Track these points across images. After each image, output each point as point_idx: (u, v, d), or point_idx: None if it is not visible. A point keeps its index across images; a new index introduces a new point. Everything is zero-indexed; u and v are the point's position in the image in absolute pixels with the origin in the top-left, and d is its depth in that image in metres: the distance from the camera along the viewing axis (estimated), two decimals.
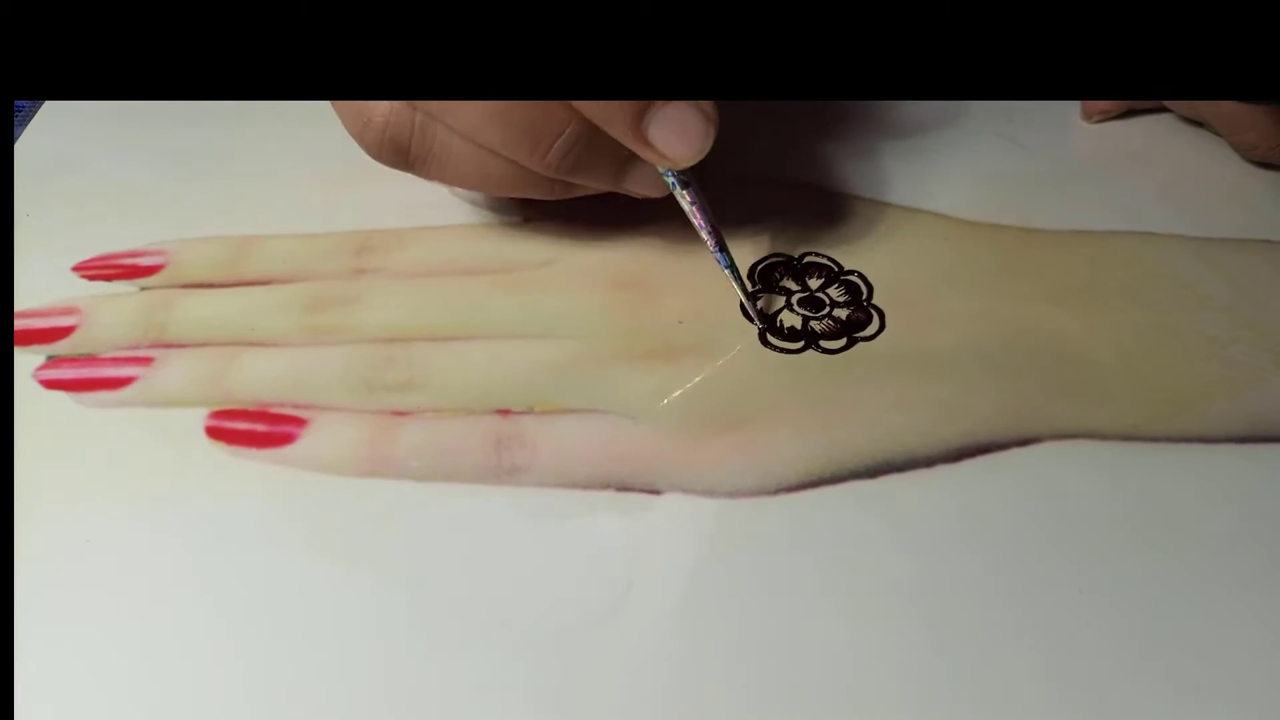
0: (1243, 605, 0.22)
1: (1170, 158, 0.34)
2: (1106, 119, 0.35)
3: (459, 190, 0.31)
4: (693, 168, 0.25)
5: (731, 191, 0.31)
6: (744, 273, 0.29)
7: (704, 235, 0.27)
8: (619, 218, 0.30)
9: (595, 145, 0.25)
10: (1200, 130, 0.34)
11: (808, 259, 0.29)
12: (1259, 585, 0.23)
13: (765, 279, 0.29)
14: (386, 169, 0.28)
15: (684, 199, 0.26)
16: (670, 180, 0.26)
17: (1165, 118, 0.35)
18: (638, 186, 0.27)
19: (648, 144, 0.24)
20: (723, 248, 0.27)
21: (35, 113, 0.34)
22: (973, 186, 0.32)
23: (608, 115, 0.24)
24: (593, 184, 0.26)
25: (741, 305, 0.28)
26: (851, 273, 0.29)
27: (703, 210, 0.26)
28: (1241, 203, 0.32)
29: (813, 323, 0.28)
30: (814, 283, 0.29)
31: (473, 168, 0.26)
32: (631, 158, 0.26)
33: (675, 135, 0.24)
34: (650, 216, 0.30)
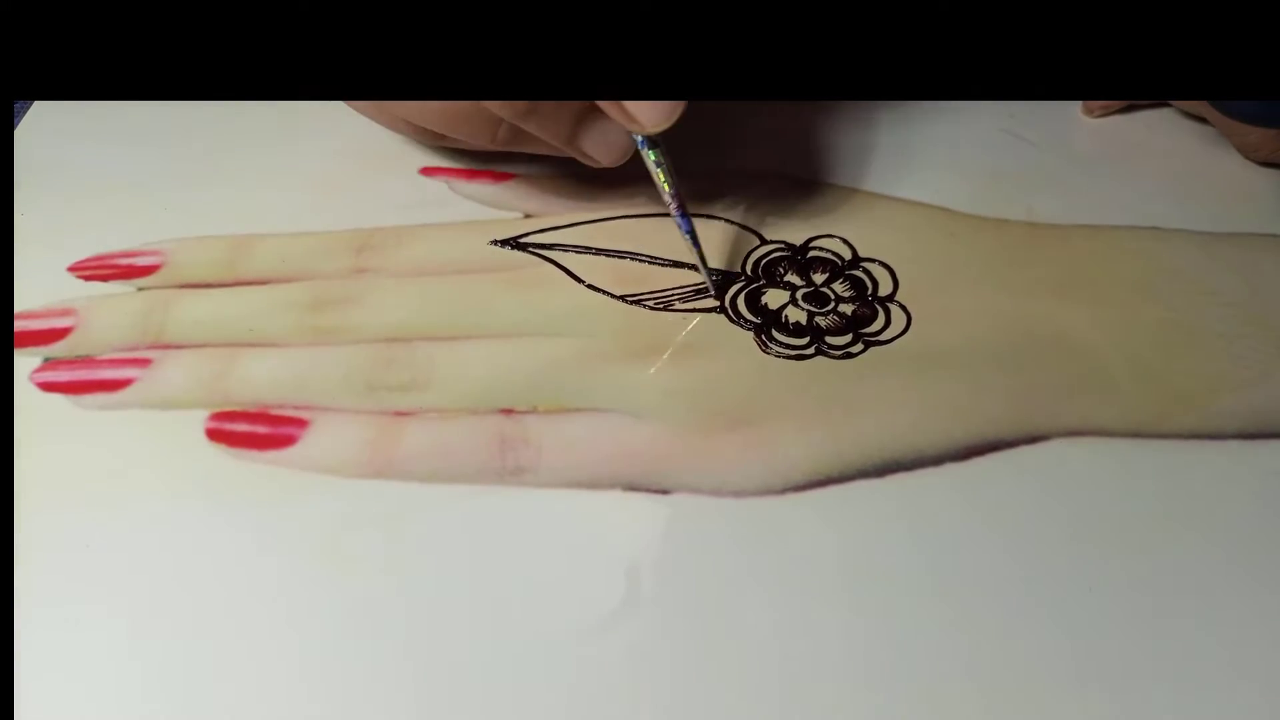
0: (1251, 601, 0.22)
1: (1172, 152, 0.33)
2: (1108, 113, 0.35)
3: (459, 185, 0.31)
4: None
5: (734, 185, 0.31)
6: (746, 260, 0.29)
7: (667, 198, 0.27)
8: (622, 215, 0.30)
9: (545, 112, 0.25)
10: (1202, 125, 0.34)
11: (812, 253, 0.29)
12: (1268, 581, 0.22)
13: (768, 273, 0.29)
14: (383, 168, 0.28)
15: (649, 158, 0.26)
16: (639, 139, 0.26)
17: (1166, 112, 0.35)
18: (592, 149, 0.26)
19: (620, 106, 0.24)
20: (685, 212, 0.27)
21: (27, 110, 0.34)
22: (976, 181, 0.32)
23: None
24: (546, 148, 0.27)
25: (702, 272, 0.28)
26: (857, 267, 0.29)
27: (668, 172, 0.26)
28: (1244, 197, 0.32)
29: (818, 319, 0.27)
30: (819, 277, 0.29)
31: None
32: (584, 119, 0.26)
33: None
34: (653, 212, 0.30)
